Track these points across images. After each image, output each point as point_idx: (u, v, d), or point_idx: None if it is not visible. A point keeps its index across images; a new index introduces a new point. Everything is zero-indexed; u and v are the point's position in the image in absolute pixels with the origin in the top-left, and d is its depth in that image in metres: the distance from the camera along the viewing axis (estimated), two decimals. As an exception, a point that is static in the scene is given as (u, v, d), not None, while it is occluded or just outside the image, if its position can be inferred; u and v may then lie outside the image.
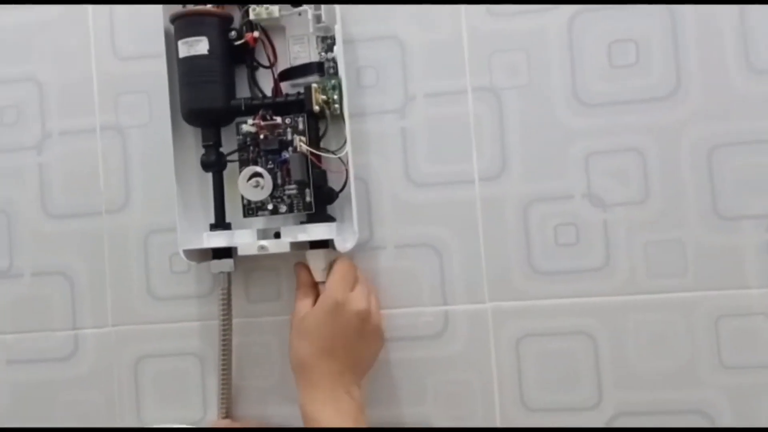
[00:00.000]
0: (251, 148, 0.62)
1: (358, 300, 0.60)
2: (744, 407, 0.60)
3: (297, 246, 0.63)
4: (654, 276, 0.62)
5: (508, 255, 0.64)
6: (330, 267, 0.63)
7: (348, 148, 0.62)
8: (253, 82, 0.66)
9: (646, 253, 0.62)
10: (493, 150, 0.64)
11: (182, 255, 0.63)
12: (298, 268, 0.63)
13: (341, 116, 0.63)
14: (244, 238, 0.63)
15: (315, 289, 0.62)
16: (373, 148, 0.65)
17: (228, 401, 0.66)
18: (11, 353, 0.70)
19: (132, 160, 0.68)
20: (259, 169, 0.61)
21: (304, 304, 0.61)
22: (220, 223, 0.64)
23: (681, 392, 0.61)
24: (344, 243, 0.63)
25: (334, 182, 0.64)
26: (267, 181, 0.61)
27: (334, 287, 0.60)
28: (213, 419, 0.66)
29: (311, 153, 0.61)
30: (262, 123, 0.61)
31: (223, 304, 0.65)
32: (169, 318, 0.68)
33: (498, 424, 0.63)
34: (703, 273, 0.61)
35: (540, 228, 0.63)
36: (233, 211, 0.65)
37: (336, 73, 0.63)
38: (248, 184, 0.62)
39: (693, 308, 0.61)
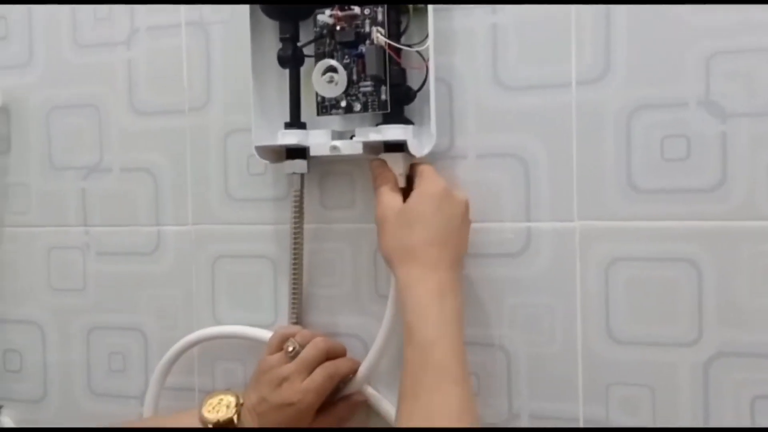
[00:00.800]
0: (327, 41, 0.59)
1: (461, 191, 0.58)
2: None
3: (370, 149, 0.59)
4: (779, 199, 0.53)
5: (603, 169, 0.57)
6: (405, 173, 0.59)
7: (430, 41, 0.57)
8: (335, -27, 0.62)
9: (771, 173, 0.53)
10: (596, 48, 0.56)
11: (255, 152, 0.61)
12: (377, 164, 0.59)
13: (425, 10, 0.57)
14: (318, 138, 0.61)
15: (398, 186, 0.59)
16: (459, 47, 0.60)
17: (298, 307, 0.65)
18: (101, 246, 0.72)
19: (214, 57, 0.67)
20: (333, 62, 0.58)
21: (394, 197, 0.57)
22: (295, 122, 0.62)
23: (800, 336, 0.52)
24: (420, 147, 0.58)
25: (413, 82, 0.59)
26: (341, 77, 0.58)
27: (434, 177, 0.57)
28: (283, 324, 0.65)
29: (389, 46, 0.57)
30: (340, 13, 0.58)
31: (296, 207, 0.63)
32: (245, 220, 0.67)
33: (579, 355, 0.58)
34: (843, 198, 0.51)
35: (644, 139, 0.56)
36: (310, 113, 0.62)
37: (422, -39, 0.58)
38: (322, 79, 0.58)
39: (825, 239, 0.52)
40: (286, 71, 0.62)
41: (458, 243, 0.56)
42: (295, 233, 0.63)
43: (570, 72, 0.57)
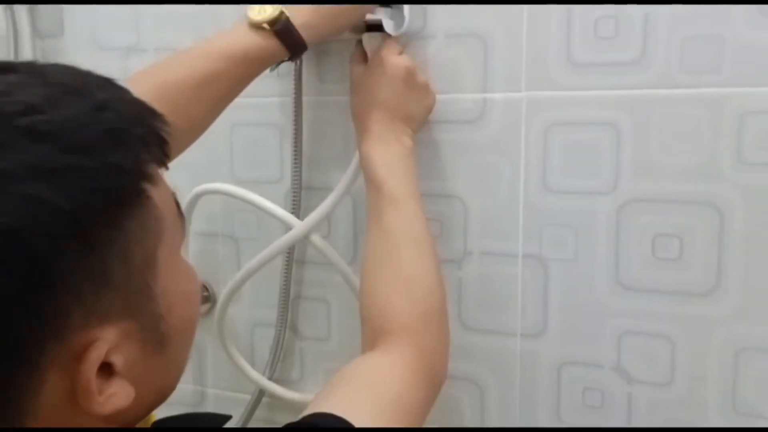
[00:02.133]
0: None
1: (403, 58, 0.68)
2: (756, 205, 0.61)
3: (354, 30, 0.70)
4: (688, 71, 0.62)
5: (548, 47, 0.67)
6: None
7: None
8: None
9: (683, 47, 0.62)
10: (545, -59, 0.65)
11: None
12: (355, 46, 0.71)
13: None
14: (311, 21, 0.72)
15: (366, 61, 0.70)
16: (432, -61, 0.69)
17: (299, 165, 0.78)
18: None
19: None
20: (320, -47, 0.68)
21: (358, 69, 0.70)
22: (293, 7, 0.73)
23: (697, 185, 0.63)
24: (395, 27, 0.69)
25: (392, -29, 0.70)
26: (327, -34, 0.68)
27: (380, 52, 0.68)
28: (287, 180, 0.79)
29: (367, -62, 0.67)
30: None
31: (296, 82, 0.75)
32: (254, 93, 0.79)
33: (521, 204, 0.70)
34: (738, 70, 0.60)
35: (581, 21, 0.65)
36: (307, -1, 0.73)
37: None
38: (312, -32, 0.69)
39: (721, 104, 0.61)
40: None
41: (401, 104, 0.67)
42: (295, 104, 0.76)
43: (524, -38, 0.67)
